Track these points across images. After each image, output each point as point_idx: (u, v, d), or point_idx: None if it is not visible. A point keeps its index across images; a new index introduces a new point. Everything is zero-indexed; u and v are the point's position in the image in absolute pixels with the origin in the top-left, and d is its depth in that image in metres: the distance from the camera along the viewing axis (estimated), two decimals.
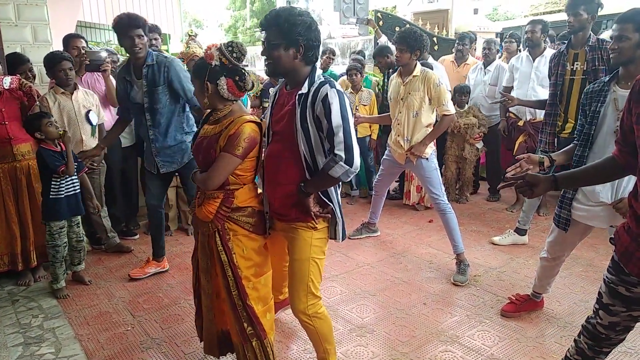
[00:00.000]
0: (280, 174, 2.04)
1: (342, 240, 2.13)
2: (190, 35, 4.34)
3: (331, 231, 2.10)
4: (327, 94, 1.86)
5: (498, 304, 2.98)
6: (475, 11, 18.67)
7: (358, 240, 4.13)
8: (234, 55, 1.96)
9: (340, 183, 2.03)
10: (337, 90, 1.90)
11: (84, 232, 3.38)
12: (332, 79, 1.96)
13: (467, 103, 4.95)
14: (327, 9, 10.48)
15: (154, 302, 3.11)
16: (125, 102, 3.23)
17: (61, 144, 3.08)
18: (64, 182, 3.09)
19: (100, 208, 3.56)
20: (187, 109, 3.26)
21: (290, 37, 1.87)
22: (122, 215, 4.28)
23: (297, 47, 1.89)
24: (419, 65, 3.44)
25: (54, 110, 3.33)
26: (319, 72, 1.99)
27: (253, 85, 2.07)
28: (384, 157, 3.85)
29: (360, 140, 5.06)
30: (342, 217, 2.10)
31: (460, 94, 4.91)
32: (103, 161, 3.69)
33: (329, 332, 2.15)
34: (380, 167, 3.94)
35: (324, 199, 2.02)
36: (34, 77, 3.71)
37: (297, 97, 1.93)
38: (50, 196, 3.07)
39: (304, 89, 1.92)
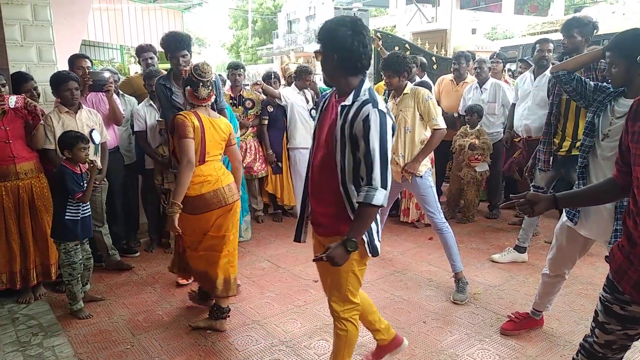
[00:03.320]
0: (320, 185, 2.06)
1: (374, 255, 2.12)
2: None
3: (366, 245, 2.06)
4: (368, 114, 1.84)
5: (498, 322, 2.98)
6: (474, 31, 18.87)
7: None
8: (197, 72, 2.73)
9: None
10: (379, 111, 1.86)
11: (91, 250, 3.38)
12: (375, 98, 1.91)
13: (478, 123, 4.89)
14: None
15: (154, 321, 3.11)
16: (168, 106, 3.54)
17: (81, 165, 3.09)
18: (81, 205, 3.09)
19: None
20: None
21: (326, 45, 1.93)
22: (123, 233, 4.29)
23: (332, 55, 1.92)
24: (409, 84, 3.53)
25: (58, 128, 3.35)
26: (366, 85, 1.95)
27: (206, 96, 2.77)
28: None
29: None
30: (369, 235, 2.04)
31: (471, 113, 4.86)
32: (105, 179, 3.71)
33: (353, 344, 2.18)
34: None
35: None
36: (39, 95, 3.76)
37: (340, 108, 1.94)
38: (67, 217, 3.05)
39: (348, 101, 1.92)
